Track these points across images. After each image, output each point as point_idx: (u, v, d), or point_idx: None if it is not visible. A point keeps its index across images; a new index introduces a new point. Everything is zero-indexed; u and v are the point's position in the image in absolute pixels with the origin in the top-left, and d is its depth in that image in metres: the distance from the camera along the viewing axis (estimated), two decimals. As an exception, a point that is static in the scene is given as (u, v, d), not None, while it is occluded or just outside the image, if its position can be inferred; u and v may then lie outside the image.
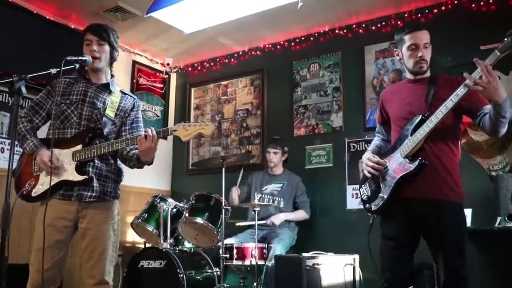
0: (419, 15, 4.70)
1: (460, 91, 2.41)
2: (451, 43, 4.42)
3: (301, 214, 4.76)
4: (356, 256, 4.05)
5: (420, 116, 2.60)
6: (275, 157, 4.85)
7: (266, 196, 4.77)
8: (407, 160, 2.59)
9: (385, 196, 2.66)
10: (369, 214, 2.81)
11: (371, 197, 2.78)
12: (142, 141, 2.62)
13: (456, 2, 4.53)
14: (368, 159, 2.81)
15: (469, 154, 4.30)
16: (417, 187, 2.58)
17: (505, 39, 2.31)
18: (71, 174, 2.68)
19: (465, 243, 2.58)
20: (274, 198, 4.74)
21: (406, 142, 2.61)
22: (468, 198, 4.12)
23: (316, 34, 5.37)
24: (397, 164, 2.64)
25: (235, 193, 4.71)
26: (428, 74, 2.77)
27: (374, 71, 4.92)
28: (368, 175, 2.80)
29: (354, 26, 5.09)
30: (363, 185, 2.88)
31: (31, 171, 2.76)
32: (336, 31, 5.22)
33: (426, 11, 4.67)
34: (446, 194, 2.57)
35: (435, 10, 4.63)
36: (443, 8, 4.60)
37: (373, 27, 4.93)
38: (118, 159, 2.89)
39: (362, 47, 5.01)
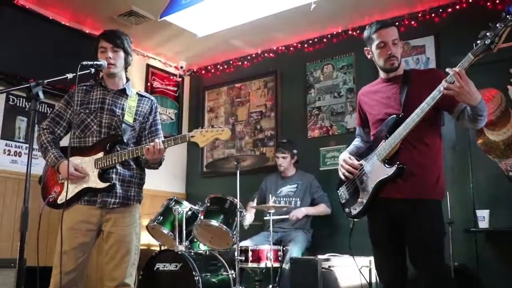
0: (433, 15, 4.68)
1: (435, 94, 2.37)
2: (467, 43, 4.36)
3: (322, 208, 4.74)
4: (372, 258, 4.03)
5: (395, 117, 2.56)
6: (284, 162, 4.85)
7: (282, 199, 4.77)
8: (385, 164, 2.54)
9: (365, 201, 2.63)
10: (349, 218, 2.78)
11: (350, 201, 2.75)
12: (149, 151, 2.68)
13: (471, 1, 4.49)
14: (343, 161, 2.78)
15: (486, 154, 4.25)
16: (394, 187, 2.54)
17: (478, 41, 2.29)
18: (94, 181, 2.74)
19: (442, 242, 2.55)
20: (291, 199, 4.74)
21: (382, 145, 2.57)
22: (486, 199, 4.15)
23: (329, 36, 5.36)
24: (374, 168, 2.60)
25: (249, 218, 4.71)
26: (401, 71, 2.72)
27: (388, 71, 4.88)
28: (343, 177, 2.78)
29: (367, 26, 5.06)
30: (340, 188, 2.84)
31: (56, 179, 2.82)
32: (349, 32, 5.21)
33: (440, 10, 4.64)
34: (422, 193, 2.53)
35: (449, 9, 4.59)
36: (457, 7, 4.56)
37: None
38: (139, 163, 2.94)
39: (376, 48, 4.99)
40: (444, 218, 2.68)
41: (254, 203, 4.83)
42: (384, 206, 2.60)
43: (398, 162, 2.50)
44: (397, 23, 4.73)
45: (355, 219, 2.76)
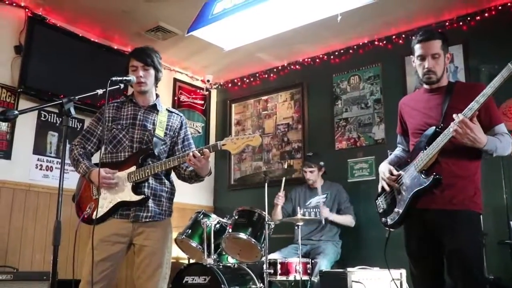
0: (461, 23, 4.63)
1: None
2: (497, 50, 4.32)
3: (348, 218, 4.73)
4: (403, 271, 3.96)
5: (434, 128, 2.55)
6: (312, 176, 4.85)
7: (312, 210, 4.76)
8: (422, 175, 2.53)
9: (401, 211, 2.62)
10: (386, 228, 2.76)
11: (387, 211, 2.74)
12: (194, 161, 2.68)
13: (500, 7, 4.43)
14: (383, 172, 2.78)
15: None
16: (431, 198, 2.52)
17: None
18: (128, 195, 2.77)
19: (481, 253, 2.51)
20: (320, 209, 4.72)
21: (420, 156, 2.56)
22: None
23: (355, 47, 5.36)
24: (411, 179, 2.59)
25: (281, 199, 4.71)
26: (445, 83, 2.70)
27: (416, 81, 4.83)
28: (386, 187, 2.76)
29: (393, 37, 5.04)
30: (379, 198, 2.84)
31: (90, 195, 2.85)
32: (376, 42, 5.20)
33: (468, 18, 4.59)
34: (460, 204, 2.50)
35: (478, 17, 4.54)
36: (486, 14, 4.50)
37: (413, 37, 4.88)
38: (171, 177, 2.97)
39: (403, 58, 4.95)
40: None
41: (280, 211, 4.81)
42: (420, 217, 2.58)
43: (434, 173, 2.48)
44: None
45: (391, 229, 2.74)
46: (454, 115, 2.38)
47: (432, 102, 2.69)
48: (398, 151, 3.00)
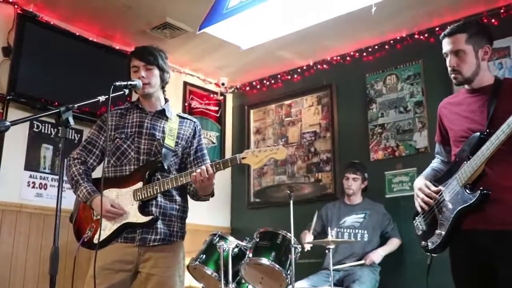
0: (519, 10, 4.56)
1: None
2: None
3: (396, 243, 4.75)
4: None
5: (478, 134, 2.50)
6: (354, 184, 4.83)
7: (345, 230, 4.71)
8: (466, 190, 2.48)
9: (443, 233, 2.57)
10: (427, 253, 2.72)
11: (427, 233, 2.70)
12: (197, 178, 2.67)
13: None
14: (419, 189, 2.75)
15: None
16: (479, 216, 2.46)
17: None
18: (134, 215, 2.76)
19: None
20: (356, 231, 4.68)
21: (463, 168, 2.51)
22: None
23: (391, 41, 5.34)
24: (454, 194, 2.54)
25: (308, 238, 4.66)
26: (488, 81, 2.66)
27: (463, 80, 4.79)
28: (419, 208, 2.74)
29: (437, 29, 4.99)
30: (416, 218, 2.80)
31: (90, 215, 2.85)
32: (416, 36, 5.17)
33: (530, 3, 4.52)
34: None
35: (543, 1, 4.47)
36: (551, -4, 4.44)
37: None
38: (183, 194, 2.97)
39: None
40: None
41: (310, 234, 4.76)
42: (467, 240, 2.54)
43: (481, 188, 2.43)
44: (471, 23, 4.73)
45: (433, 254, 2.70)
46: None
47: (475, 104, 2.65)
48: (435, 163, 2.97)
